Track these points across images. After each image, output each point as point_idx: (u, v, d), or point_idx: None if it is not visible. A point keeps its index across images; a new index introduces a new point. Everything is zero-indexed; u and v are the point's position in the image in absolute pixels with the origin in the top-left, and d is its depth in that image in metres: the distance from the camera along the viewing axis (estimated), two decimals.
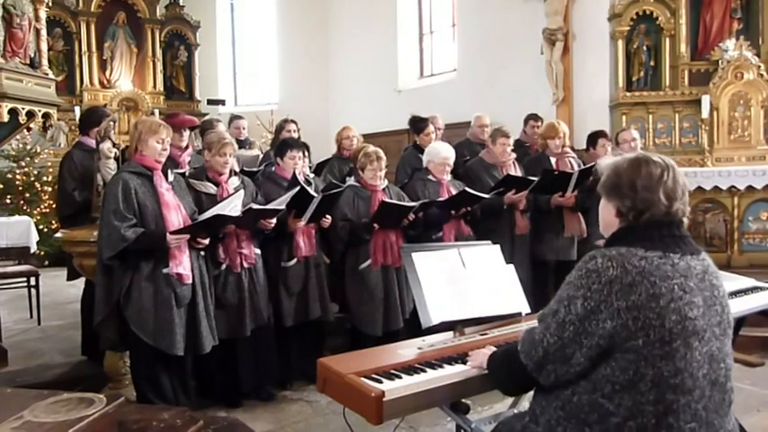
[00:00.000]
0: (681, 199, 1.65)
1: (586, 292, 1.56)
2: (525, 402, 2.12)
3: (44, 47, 4.15)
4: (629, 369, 1.52)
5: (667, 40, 6.59)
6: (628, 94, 6.66)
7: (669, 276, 1.55)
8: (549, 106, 7.32)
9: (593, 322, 1.54)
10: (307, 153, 4.55)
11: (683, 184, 1.67)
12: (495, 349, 1.99)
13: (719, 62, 6.23)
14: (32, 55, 3.98)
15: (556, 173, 4.53)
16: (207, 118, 5.25)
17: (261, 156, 5.68)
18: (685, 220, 1.69)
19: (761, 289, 3.04)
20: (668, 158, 1.71)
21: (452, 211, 4.19)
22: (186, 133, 4.25)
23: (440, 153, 4.39)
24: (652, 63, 6.73)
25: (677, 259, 1.59)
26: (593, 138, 5.03)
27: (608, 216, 1.72)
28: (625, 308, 1.52)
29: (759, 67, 6.07)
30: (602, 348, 1.54)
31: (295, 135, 5.21)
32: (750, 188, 5.73)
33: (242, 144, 5.63)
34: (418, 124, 5.36)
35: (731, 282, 3.16)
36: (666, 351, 1.51)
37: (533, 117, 5.96)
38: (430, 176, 4.37)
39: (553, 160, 4.75)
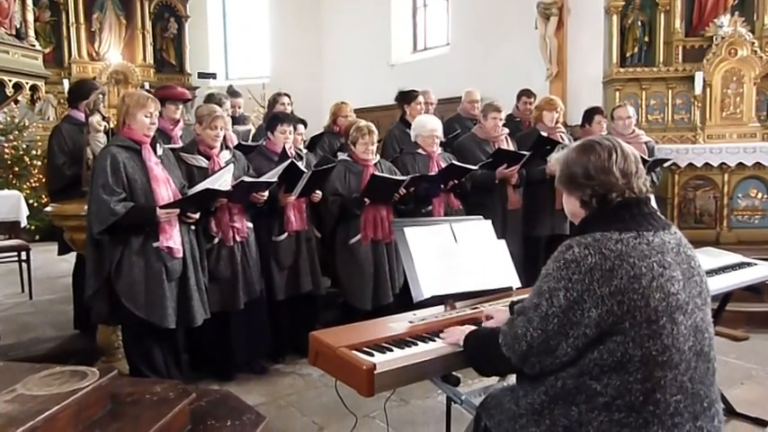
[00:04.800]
0: (636, 174, 1.65)
1: (567, 284, 1.55)
2: (513, 376, 2.14)
3: (30, 17, 4.06)
4: (617, 351, 1.52)
5: (662, 15, 6.53)
6: (621, 69, 6.62)
7: (647, 255, 1.55)
8: (542, 81, 7.27)
9: (577, 312, 1.54)
10: (304, 128, 4.54)
11: (635, 158, 1.68)
12: (472, 328, 2.00)
13: (714, 38, 6.18)
14: (18, 25, 3.89)
15: (546, 136, 4.51)
16: (210, 92, 5.22)
17: (254, 131, 5.64)
18: (652, 197, 1.71)
19: (747, 265, 3.10)
20: (612, 137, 1.73)
21: (441, 185, 4.19)
22: (180, 105, 4.23)
23: (426, 125, 4.38)
24: (646, 39, 6.67)
25: (651, 236, 1.59)
26: (590, 114, 5.00)
27: (573, 208, 1.73)
28: (608, 294, 1.51)
29: (753, 43, 6.03)
30: (588, 338, 1.54)
31: (288, 109, 5.17)
32: (740, 165, 5.74)
33: (236, 121, 5.58)
34: (407, 96, 5.32)
35: (719, 258, 3.22)
36: (654, 330, 1.51)
37: (526, 93, 5.93)
38: (419, 150, 4.37)
39: (545, 135, 4.73)
